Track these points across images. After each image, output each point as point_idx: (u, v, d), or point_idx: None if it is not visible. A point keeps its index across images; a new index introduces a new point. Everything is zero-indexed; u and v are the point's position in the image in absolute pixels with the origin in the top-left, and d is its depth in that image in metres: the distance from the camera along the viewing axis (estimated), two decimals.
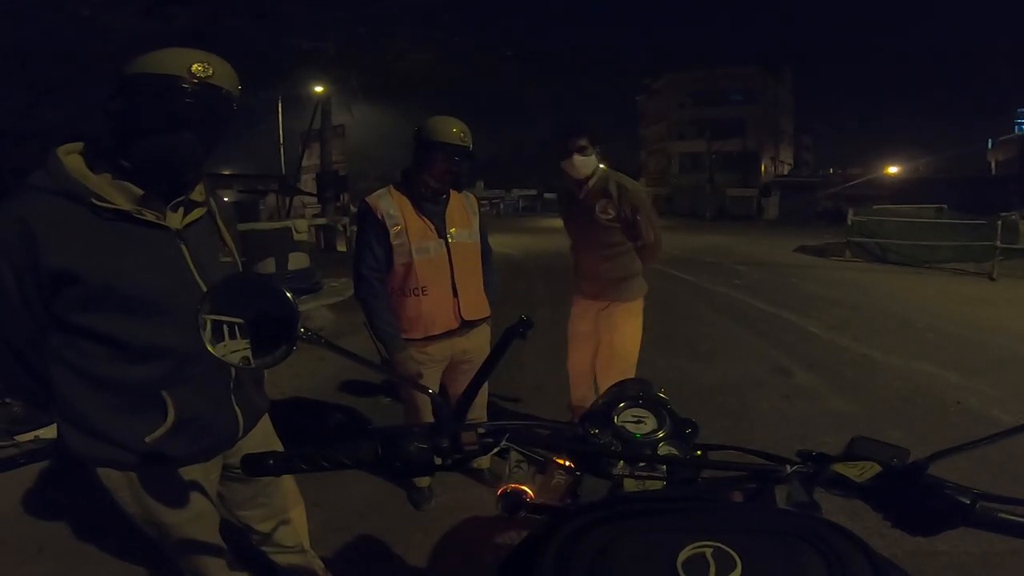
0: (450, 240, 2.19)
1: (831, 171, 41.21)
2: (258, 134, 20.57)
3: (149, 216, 1.12)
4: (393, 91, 15.71)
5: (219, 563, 1.39)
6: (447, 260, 2.19)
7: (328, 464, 0.77)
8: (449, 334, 2.23)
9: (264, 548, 1.57)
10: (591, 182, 2.52)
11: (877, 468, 0.67)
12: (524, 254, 14.06)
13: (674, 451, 0.87)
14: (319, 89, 14.37)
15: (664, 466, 0.82)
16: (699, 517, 0.61)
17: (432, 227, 2.17)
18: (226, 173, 17.12)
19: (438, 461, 0.77)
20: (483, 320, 2.33)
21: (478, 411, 2.43)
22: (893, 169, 33.39)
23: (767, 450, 0.77)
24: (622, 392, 0.98)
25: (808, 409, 3.64)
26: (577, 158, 2.42)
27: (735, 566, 0.51)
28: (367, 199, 2.16)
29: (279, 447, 1.51)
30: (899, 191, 23.58)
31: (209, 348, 0.76)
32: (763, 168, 40.47)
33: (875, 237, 11.50)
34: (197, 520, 1.31)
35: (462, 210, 2.28)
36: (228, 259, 1.30)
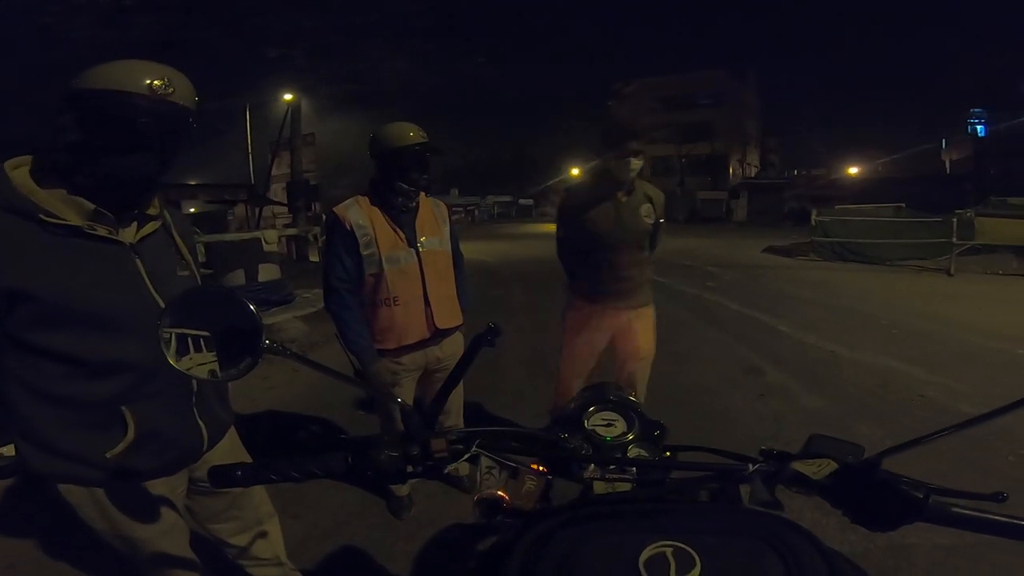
0: (421, 248, 2.18)
1: (796, 172, 42.37)
2: (225, 143, 20.21)
3: (101, 231, 1.10)
4: (366, 98, 15.63)
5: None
6: (418, 269, 2.17)
7: (298, 474, 0.77)
8: (422, 343, 2.22)
9: (241, 562, 1.55)
10: (634, 185, 2.53)
11: (834, 465, 0.69)
12: (500, 261, 14.06)
13: (643, 453, 0.88)
14: (288, 97, 14.20)
15: (634, 468, 0.83)
16: (661, 518, 0.62)
17: (402, 236, 2.16)
18: (192, 183, 16.76)
19: (410, 469, 0.78)
20: (456, 328, 2.32)
21: (454, 418, 2.42)
22: (854, 170, 34.48)
23: (739, 449, 0.79)
24: (592, 396, 0.99)
25: (780, 407, 3.72)
26: (634, 160, 2.42)
27: (695, 564, 0.52)
28: (335, 209, 2.14)
29: (247, 460, 1.44)
30: (861, 191, 24.32)
31: (172, 362, 0.75)
32: (731, 171, 41.39)
33: (838, 237, 11.85)
34: (166, 534, 1.29)
35: (432, 218, 2.27)
36: (185, 272, 1.29)
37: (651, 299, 2.67)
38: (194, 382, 1.24)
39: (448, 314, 2.26)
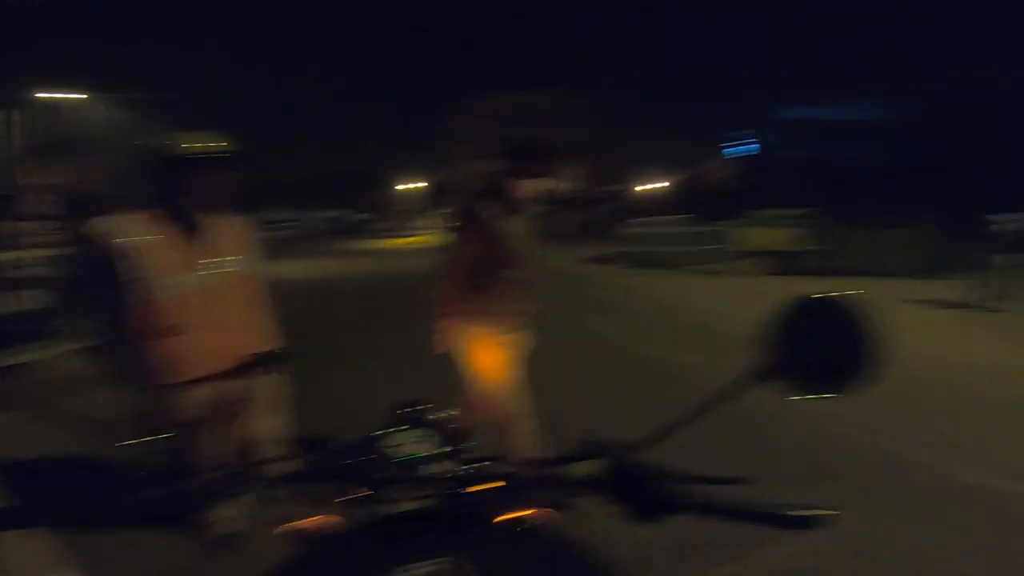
0: (215, 270, 1.97)
1: (614, 188, 47.18)
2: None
3: None
4: (164, 102, 13.75)
5: None
6: (212, 293, 1.96)
7: (50, 521, 0.71)
8: (219, 375, 2.00)
9: None
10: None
11: (600, 464, 0.73)
12: (324, 279, 13.33)
13: (446, 469, 0.89)
14: (58, 96, 11.88)
15: (434, 485, 0.84)
16: (442, 533, 0.64)
17: (190, 257, 1.93)
18: None
19: (182, 506, 0.72)
20: (259, 356, 2.14)
21: (277, 446, 2.22)
22: (651, 185, 39.80)
23: (566, 448, 0.80)
24: (396, 414, 0.98)
25: (596, 406, 4.09)
26: (549, 179, 2.46)
27: None
28: (86, 228, 1.84)
29: None
30: (663, 203, 28.30)
31: None
32: (561, 186, 44.77)
33: (639, 247, 13.58)
34: None
35: (229, 236, 2.07)
36: None
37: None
38: None
39: (250, 340, 2.07)
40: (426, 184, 52.93)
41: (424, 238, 37.23)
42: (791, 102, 34.69)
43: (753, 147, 35.15)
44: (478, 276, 2.47)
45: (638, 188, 39.20)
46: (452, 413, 1.07)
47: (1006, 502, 2.75)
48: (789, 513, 0.65)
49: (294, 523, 0.81)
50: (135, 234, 1.84)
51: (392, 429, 0.94)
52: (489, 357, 2.50)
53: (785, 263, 11.37)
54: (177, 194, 1.89)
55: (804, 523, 0.63)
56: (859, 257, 11.03)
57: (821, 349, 0.72)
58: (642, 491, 0.70)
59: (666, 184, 39.13)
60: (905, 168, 27.70)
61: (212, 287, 1.97)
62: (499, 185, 2.52)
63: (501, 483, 0.82)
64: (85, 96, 11.87)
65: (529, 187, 2.48)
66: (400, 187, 56.19)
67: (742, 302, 8.12)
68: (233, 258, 2.05)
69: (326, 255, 21.63)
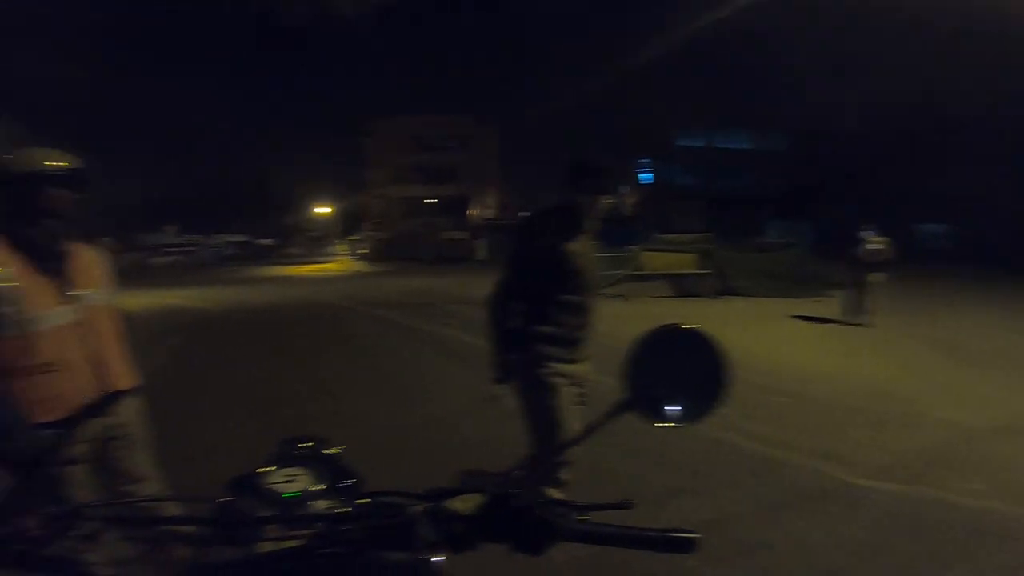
0: (82, 303, 1.83)
1: (522, 213, 48.14)
2: None
3: None
4: (41, 115, 12.38)
5: None
6: (79, 327, 1.81)
7: None
8: (94, 409, 1.83)
9: None
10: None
11: (480, 498, 0.70)
12: (226, 308, 12.47)
13: (330, 506, 0.86)
14: None
15: (319, 524, 0.81)
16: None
17: (55, 288, 1.78)
18: None
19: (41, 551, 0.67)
20: (130, 390, 1.98)
21: (152, 484, 2.02)
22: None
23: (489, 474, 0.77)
24: (276, 453, 0.95)
25: (517, 429, 4.09)
26: (611, 197, 2.35)
27: None
28: None
29: None
30: None
31: None
32: (473, 212, 45.00)
33: None
34: None
35: (89, 265, 1.93)
36: None
37: None
38: None
39: (122, 375, 1.95)
40: (336, 208, 51.29)
41: (335, 265, 35.96)
42: (686, 130, 37.67)
43: (648, 175, 37.57)
44: (535, 299, 2.30)
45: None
46: (338, 450, 1.04)
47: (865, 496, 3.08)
48: (662, 535, 0.66)
49: (168, 560, 0.76)
50: (2, 263, 1.67)
51: (274, 466, 0.91)
52: (548, 387, 2.29)
53: (682, 286, 12.21)
54: (33, 217, 1.74)
55: (676, 545, 0.66)
56: (745, 278, 12.11)
57: (674, 378, 0.77)
58: (521, 524, 0.68)
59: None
60: (778, 193, 30.85)
61: (83, 320, 1.83)
62: (570, 203, 2.34)
63: (386, 521, 0.80)
64: None
65: (603, 205, 2.35)
66: (310, 212, 54.06)
67: (645, 323, 8.57)
68: (98, 289, 1.92)
69: (227, 283, 20.24)
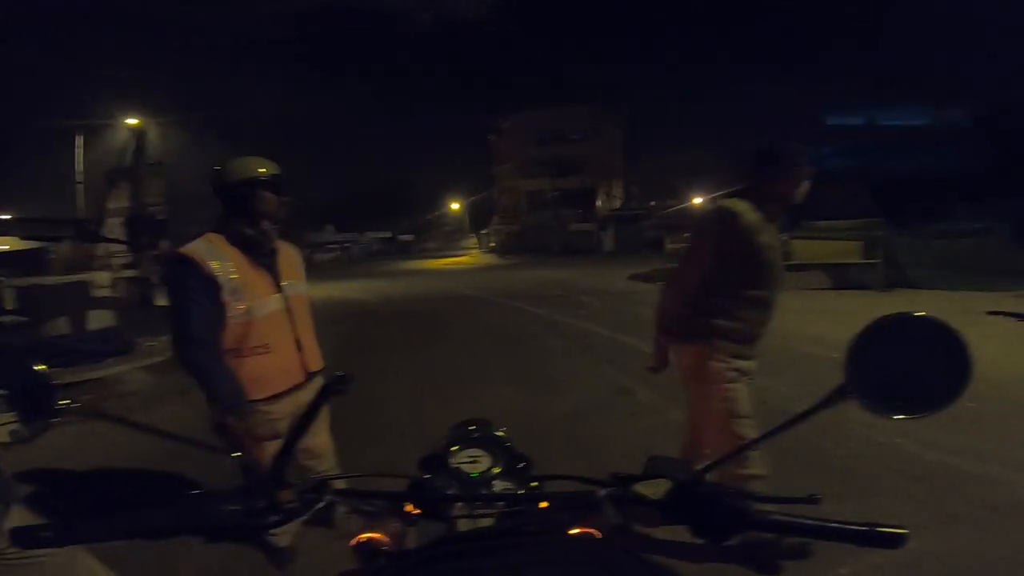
0: (287, 292, 2.08)
1: (652, 203, 46.56)
2: (51, 172, 17.65)
3: None
4: (228, 126, 14.66)
5: None
6: (287, 314, 2.06)
7: (122, 533, 0.70)
8: (294, 389, 2.09)
9: None
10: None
11: (668, 484, 0.72)
12: (379, 299, 13.68)
13: (509, 486, 0.88)
14: (133, 122, 12.82)
15: (501, 502, 0.83)
16: (511, 552, 0.63)
17: (269, 280, 2.03)
18: (5, 217, 14.29)
19: (255, 523, 0.73)
20: (320, 371, 2.21)
21: (326, 464, 2.27)
22: (698, 200, 38.78)
23: (614, 469, 0.81)
24: (457, 434, 0.99)
25: (651, 424, 3.97)
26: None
27: None
28: (185, 251, 1.92)
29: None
30: None
31: None
32: (599, 203, 44.56)
33: None
34: None
35: (291, 259, 2.18)
36: None
37: None
38: None
39: (315, 357, 2.19)
40: (466, 204, 53.68)
41: (467, 258, 37.87)
42: (837, 109, 33.66)
43: None
44: (720, 291, 2.19)
45: (684, 202, 38.39)
46: (504, 433, 1.07)
47: None
48: (866, 529, 0.64)
49: (361, 537, 0.81)
50: (223, 257, 1.93)
51: (456, 446, 0.94)
52: (720, 381, 2.22)
53: (843, 277, 10.85)
54: (249, 218, 1.98)
55: (883, 540, 0.63)
56: (923, 269, 10.41)
57: (900, 368, 0.70)
58: (708, 511, 0.69)
59: (713, 197, 38.15)
60: (964, 174, 26.28)
61: (288, 307, 2.07)
62: (762, 188, 2.19)
63: (572, 502, 0.79)
64: (138, 121, 12.74)
65: (798, 191, 2.18)
66: (444, 208, 57.38)
67: (801, 318, 7.78)
68: (298, 280, 2.16)
69: (378, 276, 22.26)
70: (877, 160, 31.54)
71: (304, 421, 0.88)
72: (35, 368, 0.76)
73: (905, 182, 26.87)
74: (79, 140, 16.43)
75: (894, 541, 0.63)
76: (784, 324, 7.22)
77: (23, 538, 0.69)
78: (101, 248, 14.51)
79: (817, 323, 7.29)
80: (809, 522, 0.67)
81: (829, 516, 0.65)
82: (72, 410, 0.76)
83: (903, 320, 0.71)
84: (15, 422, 0.76)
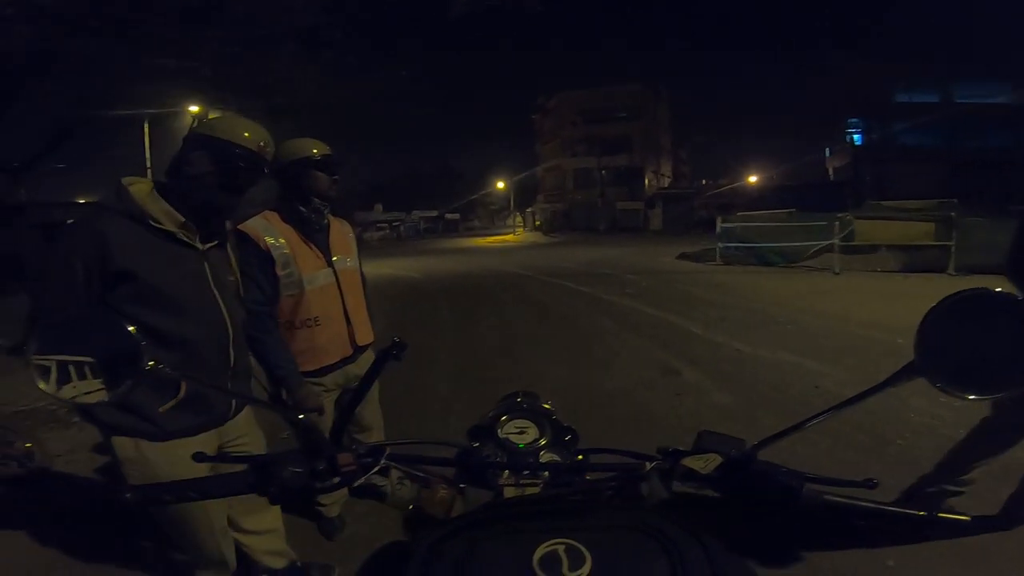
0: (337, 267, 2.17)
1: (704, 182, 44.96)
2: (119, 159, 18.71)
3: (186, 237, 1.47)
4: (279, 111, 15.09)
5: (209, 530, 1.60)
6: (337, 287, 2.16)
7: (195, 494, 0.76)
8: (343, 362, 2.19)
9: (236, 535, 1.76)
10: None
11: (718, 459, 0.73)
12: (426, 276, 13.93)
13: (555, 457, 0.91)
14: (195, 109, 13.42)
15: (545, 472, 0.86)
16: (556, 518, 0.65)
17: (320, 255, 2.13)
18: (82, 201, 15.33)
19: (317, 485, 0.77)
20: (370, 345, 2.31)
21: (376, 434, 2.39)
22: (753, 178, 37.16)
23: (654, 447, 0.83)
24: (505, 405, 1.03)
25: (696, 404, 3.95)
26: None
27: (585, 560, 0.56)
28: (243, 228, 2.03)
29: (258, 435, 1.77)
30: (759, 198, 26.37)
31: (49, 390, 0.74)
32: (647, 182, 43.44)
33: (739, 242, 12.78)
34: None
35: (342, 236, 2.26)
36: (232, 278, 1.66)
37: None
38: (231, 360, 1.58)
39: (365, 331, 2.27)
40: (511, 183, 53.34)
41: (512, 236, 37.81)
42: (909, 84, 31.16)
43: (857, 136, 32.06)
44: None
45: (736, 181, 36.89)
46: (549, 405, 1.10)
47: None
48: (926, 515, 0.63)
49: (417, 503, 0.86)
50: (280, 234, 2.04)
51: (504, 416, 0.99)
52: None
53: (913, 259, 10.23)
54: (302, 195, 2.07)
55: (945, 528, 0.62)
56: (999, 253, 9.63)
57: (981, 348, 0.67)
58: (760, 487, 0.69)
59: (767, 176, 36.52)
60: None
61: (340, 282, 2.17)
62: None
63: (616, 472, 0.83)
64: (200, 108, 13.28)
65: None
66: (490, 187, 57.28)
67: (863, 301, 7.46)
68: (350, 256, 2.25)
69: (426, 254, 22.60)
70: (952, 139, 29.18)
71: (363, 385, 0.93)
72: (128, 328, 0.74)
73: (983, 162, 24.72)
74: (146, 128, 17.35)
75: (955, 529, 0.62)
76: (846, 307, 6.98)
77: (111, 501, 0.76)
78: None
79: (883, 307, 6.96)
80: (865, 504, 0.67)
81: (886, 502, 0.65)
82: (157, 372, 0.74)
83: (980, 296, 0.68)
84: (101, 389, 0.75)
